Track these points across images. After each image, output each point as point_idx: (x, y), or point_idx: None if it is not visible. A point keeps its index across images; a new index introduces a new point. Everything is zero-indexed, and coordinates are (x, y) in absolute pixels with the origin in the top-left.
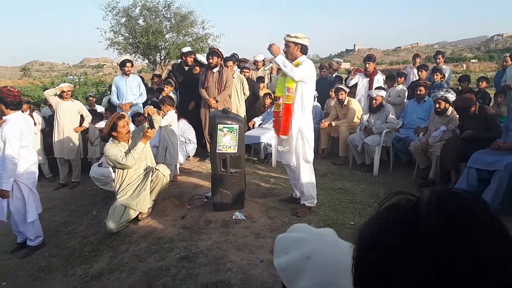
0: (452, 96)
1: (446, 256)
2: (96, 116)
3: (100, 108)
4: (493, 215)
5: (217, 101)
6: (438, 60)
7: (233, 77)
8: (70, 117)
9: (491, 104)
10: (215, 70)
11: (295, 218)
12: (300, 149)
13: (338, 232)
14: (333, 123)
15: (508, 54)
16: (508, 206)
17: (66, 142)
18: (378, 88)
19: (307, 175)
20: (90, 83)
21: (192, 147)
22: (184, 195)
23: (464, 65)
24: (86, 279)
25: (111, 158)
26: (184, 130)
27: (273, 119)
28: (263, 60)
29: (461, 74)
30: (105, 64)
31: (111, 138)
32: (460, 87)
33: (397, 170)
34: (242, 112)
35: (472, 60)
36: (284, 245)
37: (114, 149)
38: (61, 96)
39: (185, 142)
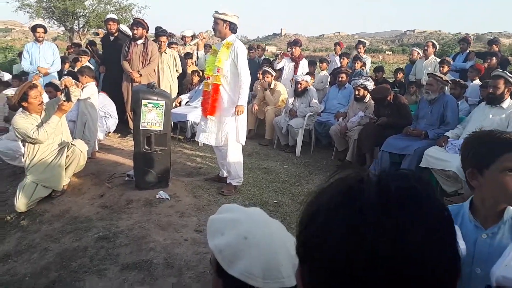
0: (370, 84)
1: (375, 235)
2: (1, 84)
3: (7, 76)
4: (439, 202)
5: (141, 75)
6: (359, 49)
7: (166, 53)
8: None
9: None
10: (140, 42)
11: (221, 197)
12: (232, 130)
13: (263, 210)
14: (256, 107)
15: (414, 48)
16: None
17: None
18: (308, 74)
19: (235, 155)
20: None
21: (112, 122)
22: (103, 173)
23: (380, 56)
24: None
25: (21, 131)
26: (104, 104)
27: (202, 98)
28: (191, 36)
29: (377, 65)
30: (13, 28)
31: (21, 109)
32: (376, 77)
33: (317, 152)
34: (175, 90)
35: (387, 52)
36: (218, 226)
37: (24, 121)
38: None
39: (105, 117)
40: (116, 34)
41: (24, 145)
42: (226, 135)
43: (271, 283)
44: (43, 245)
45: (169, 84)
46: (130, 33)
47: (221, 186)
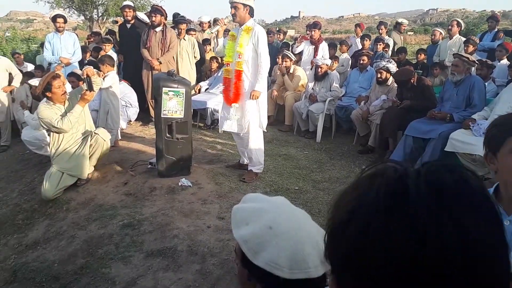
0: (393, 67)
1: (434, 231)
2: (24, 75)
3: (30, 67)
4: (490, 198)
5: (160, 63)
6: (380, 30)
7: (184, 40)
8: None
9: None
10: (158, 29)
11: (242, 184)
12: (254, 116)
13: (286, 198)
14: (275, 93)
15: (436, 28)
16: None
17: None
18: (332, 58)
19: (256, 142)
20: (19, 39)
21: (133, 111)
22: (126, 161)
23: (402, 37)
24: (20, 249)
25: (45, 120)
26: (125, 93)
27: (223, 86)
28: (208, 22)
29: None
30: (35, 19)
31: (45, 99)
32: (398, 59)
33: (338, 137)
34: (194, 77)
35: (409, 33)
36: (242, 216)
37: (49, 111)
38: None
39: (126, 106)
40: (132, 22)
41: (49, 135)
42: (249, 122)
43: (297, 273)
44: (70, 233)
45: (188, 71)
46: (148, 21)
47: (242, 173)
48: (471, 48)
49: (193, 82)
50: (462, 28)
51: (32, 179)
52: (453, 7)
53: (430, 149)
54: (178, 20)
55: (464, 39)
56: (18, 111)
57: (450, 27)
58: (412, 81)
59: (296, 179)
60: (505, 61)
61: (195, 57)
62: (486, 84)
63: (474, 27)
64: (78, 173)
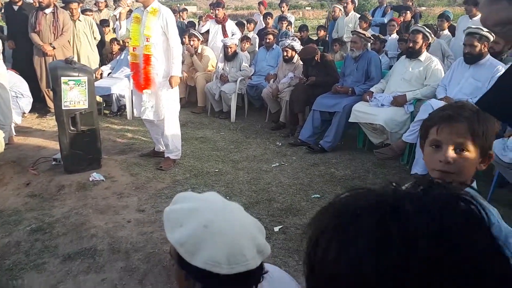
0: (297, 45)
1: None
2: None
3: None
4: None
5: (54, 48)
6: (282, 8)
7: (80, 20)
8: None
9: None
10: (48, 11)
11: (159, 173)
12: (168, 102)
13: (205, 181)
14: (185, 74)
15: (336, 5)
16: (345, 142)
17: None
18: (246, 38)
19: (172, 128)
20: None
21: (26, 102)
22: (25, 159)
23: (301, 13)
24: None
25: None
26: (14, 83)
27: (131, 72)
28: (105, 1)
29: (300, 23)
30: None
31: None
32: (301, 36)
33: (251, 115)
34: (96, 60)
35: (306, 8)
36: (175, 218)
37: None
38: None
39: (17, 97)
40: (19, 3)
41: None
42: (164, 108)
43: (236, 267)
44: None
45: (88, 54)
46: (33, 1)
47: (158, 161)
48: (365, 25)
49: (95, 65)
50: (356, 5)
51: None
52: None
53: (336, 122)
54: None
55: (358, 15)
56: None
57: (345, 4)
58: (316, 58)
59: (215, 161)
60: (395, 35)
61: (95, 38)
62: (380, 57)
63: (365, 1)
64: None
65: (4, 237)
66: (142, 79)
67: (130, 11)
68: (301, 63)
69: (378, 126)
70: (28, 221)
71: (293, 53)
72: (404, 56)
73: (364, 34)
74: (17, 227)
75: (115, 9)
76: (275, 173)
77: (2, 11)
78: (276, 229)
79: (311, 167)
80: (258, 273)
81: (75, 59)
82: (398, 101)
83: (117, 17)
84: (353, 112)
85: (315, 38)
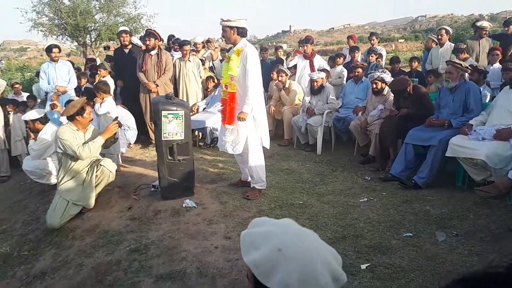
0: (387, 76)
1: None
2: (20, 105)
3: (26, 97)
4: None
5: (157, 85)
6: (372, 41)
7: (190, 61)
8: None
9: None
10: (153, 52)
11: (246, 202)
12: (252, 134)
13: (290, 213)
14: (273, 108)
15: (431, 36)
16: (442, 177)
17: None
18: (321, 70)
19: (256, 159)
20: (14, 68)
21: (132, 134)
22: (129, 185)
23: (393, 45)
24: (28, 280)
25: (66, 142)
26: (122, 117)
27: (222, 107)
28: (202, 42)
29: (392, 55)
30: (28, 47)
31: (67, 121)
32: (392, 68)
33: (339, 149)
34: (201, 96)
35: (399, 40)
36: (251, 240)
37: (71, 134)
38: None
39: (124, 129)
40: (129, 47)
41: (60, 161)
42: (246, 140)
43: None
44: (78, 261)
45: (196, 91)
46: (141, 44)
47: (245, 190)
48: (462, 56)
49: (200, 101)
50: (451, 34)
51: (36, 208)
52: (441, 13)
53: (431, 156)
54: (182, 42)
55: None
56: (15, 141)
57: (439, 36)
58: (408, 89)
59: (300, 193)
60: (497, 65)
61: (200, 77)
62: (481, 88)
63: (463, 31)
64: (85, 202)
65: (107, 255)
66: (227, 114)
67: (224, 49)
68: (392, 95)
69: (480, 162)
70: (128, 242)
71: (383, 85)
72: (508, 87)
73: (460, 64)
74: (118, 247)
75: (206, 52)
76: (363, 209)
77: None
78: (363, 266)
79: (403, 203)
80: None
81: (185, 95)
82: (502, 134)
83: (210, 57)
84: (450, 146)
85: (407, 70)
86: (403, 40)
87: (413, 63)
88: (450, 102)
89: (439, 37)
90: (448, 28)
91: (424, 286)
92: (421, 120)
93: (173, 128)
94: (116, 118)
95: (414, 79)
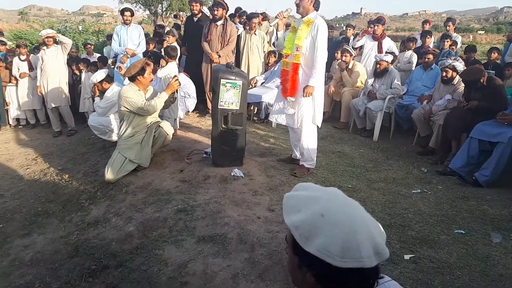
0: (460, 65)
1: None
2: (90, 65)
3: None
4: None
5: (219, 56)
6: (448, 27)
7: (255, 34)
8: (55, 63)
9: None
10: (219, 23)
11: (293, 178)
12: (308, 111)
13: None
14: (332, 89)
15: None
16: (507, 178)
17: (53, 89)
18: (389, 53)
19: (310, 137)
20: (91, 32)
21: (191, 102)
22: (183, 150)
23: (471, 36)
24: (82, 226)
25: (132, 100)
26: (184, 84)
27: (281, 78)
28: (261, 14)
29: (467, 45)
30: (105, 13)
31: (129, 82)
32: (466, 57)
33: (397, 137)
34: (260, 71)
35: (479, 32)
36: (294, 203)
37: (134, 93)
38: (44, 43)
39: (185, 97)
40: (199, 16)
41: (121, 119)
42: (302, 116)
43: (350, 262)
44: (128, 214)
45: (258, 65)
46: (210, 14)
47: (293, 167)
48: None
49: (260, 75)
50: None
51: (96, 162)
52: None
53: (497, 154)
54: (250, 15)
55: None
56: (84, 98)
57: None
58: (481, 80)
59: (350, 177)
60: None
61: (264, 51)
62: None
63: None
64: (141, 161)
65: (156, 212)
66: (288, 86)
67: (289, 25)
68: (462, 85)
69: None
70: (176, 202)
71: (454, 74)
72: None
73: None
74: (166, 206)
75: (273, 20)
76: (414, 200)
77: (182, 23)
78: (407, 257)
79: (459, 199)
80: (372, 275)
81: (247, 68)
82: None
83: (275, 27)
84: None
85: (484, 62)
86: (483, 31)
87: (492, 53)
88: None
89: None
90: None
91: (470, 286)
92: (491, 115)
93: (229, 97)
94: (175, 76)
95: (491, 71)
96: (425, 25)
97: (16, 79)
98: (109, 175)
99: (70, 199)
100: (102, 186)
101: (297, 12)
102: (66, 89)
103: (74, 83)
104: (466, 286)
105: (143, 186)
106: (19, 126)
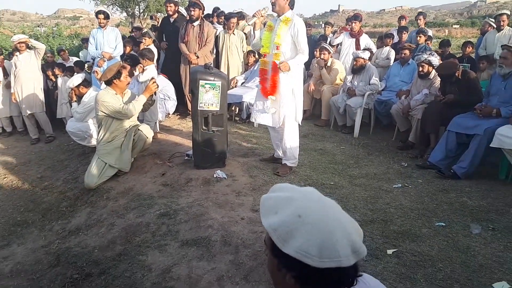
0: (435, 60)
1: None
2: (66, 70)
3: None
4: None
5: (197, 57)
6: (419, 21)
7: (234, 34)
8: (28, 69)
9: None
10: (196, 23)
11: (276, 178)
12: (289, 110)
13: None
14: (312, 87)
15: (488, 20)
16: (484, 169)
17: (27, 96)
18: (366, 49)
19: (291, 136)
20: (66, 36)
21: (171, 104)
22: (164, 153)
23: (447, 31)
24: (63, 234)
25: (109, 104)
26: (163, 86)
27: (260, 78)
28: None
29: (441, 39)
30: (81, 16)
31: (105, 86)
32: (441, 52)
33: (377, 133)
34: (240, 71)
35: (454, 26)
36: (271, 205)
37: (111, 97)
38: (16, 49)
39: (164, 99)
40: (175, 16)
41: (99, 123)
42: (284, 115)
43: (328, 262)
44: (110, 220)
45: (238, 65)
46: (187, 15)
47: (276, 166)
48: None
49: (240, 75)
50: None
51: (76, 168)
52: None
53: (474, 146)
54: (229, 15)
55: None
56: (61, 104)
57: (500, 21)
58: (456, 74)
59: (332, 174)
60: None
61: (243, 51)
62: None
63: None
64: (121, 166)
65: (138, 217)
66: (269, 86)
67: (265, 24)
68: (439, 79)
69: None
70: (159, 206)
71: (430, 68)
72: None
73: None
74: (149, 210)
75: (250, 19)
76: (396, 194)
77: (158, 25)
78: (390, 251)
79: (439, 192)
80: (351, 274)
81: (226, 68)
82: None
83: (252, 26)
84: (496, 136)
85: (459, 56)
86: (458, 26)
87: (466, 48)
88: (501, 89)
89: (500, 22)
90: (508, 12)
91: (452, 278)
92: (467, 108)
93: (209, 98)
94: (153, 78)
95: (465, 65)
96: (401, 21)
97: None
98: (89, 181)
99: (50, 208)
100: (83, 193)
101: (272, 10)
102: (41, 95)
103: (50, 89)
104: (448, 278)
105: (124, 191)
106: None
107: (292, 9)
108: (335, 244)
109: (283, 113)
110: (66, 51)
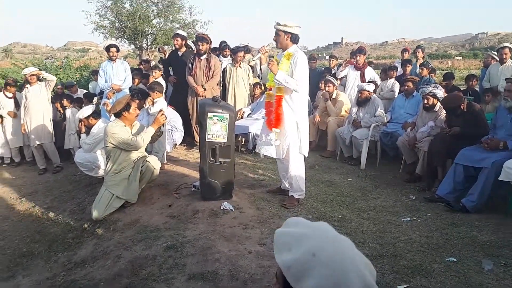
0: (440, 92)
1: None
2: (74, 101)
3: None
4: None
5: (204, 89)
6: (417, 54)
7: (240, 67)
8: (38, 101)
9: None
10: (203, 57)
11: (283, 210)
12: (294, 142)
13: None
14: (318, 118)
15: (491, 52)
16: (493, 202)
17: (36, 127)
18: (371, 82)
19: (297, 168)
20: (75, 68)
21: (179, 135)
22: (171, 184)
23: (449, 62)
24: (69, 266)
25: (118, 136)
26: (171, 118)
27: (265, 110)
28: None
29: (446, 71)
30: (90, 48)
31: (114, 118)
32: (446, 84)
33: (384, 164)
34: (247, 103)
35: (456, 57)
36: (285, 241)
37: (120, 129)
38: (27, 81)
39: (172, 130)
40: (183, 50)
41: (108, 155)
42: (288, 147)
43: None
44: (116, 252)
45: (244, 97)
46: (194, 48)
47: (283, 198)
48: None
49: (246, 106)
50: None
51: (83, 199)
52: (504, 30)
53: (483, 179)
54: (236, 49)
55: None
56: (69, 134)
57: (503, 54)
58: (461, 107)
59: (340, 207)
60: None
61: (249, 83)
62: None
63: None
64: (128, 197)
65: (144, 249)
66: (273, 118)
67: (271, 57)
68: (444, 112)
69: None
70: (165, 238)
71: (435, 101)
72: None
73: None
74: (155, 242)
75: (255, 55)
76: (404, 228)
77: (166, 57)
78: (400, 287)
79: (449, 226)
80: None
81: (233, 100)
82: None
83: (259, 61)
84: (504, 169)
85: (463, 88)
86: (461, 57)
87: (471, 82)
88: (507, 122)
89: (503, 55)
90: (510, 45)
91: None
92: (474, 140)
93: (217, 130)
94: (161, 110)
95: (469, 97)
96: (404, 54)
97: (1, 117)
98: (96, 212)
99: (56, 239)
100: (89, 224)
101: (276, 47)
102: (49, 126)
103: (58, 120)
104: None
105: (131, 223)
106: (3, 165)
107: (296, 44)
108: (348, 284)
109: (286, 145)
110: (76, 86)
